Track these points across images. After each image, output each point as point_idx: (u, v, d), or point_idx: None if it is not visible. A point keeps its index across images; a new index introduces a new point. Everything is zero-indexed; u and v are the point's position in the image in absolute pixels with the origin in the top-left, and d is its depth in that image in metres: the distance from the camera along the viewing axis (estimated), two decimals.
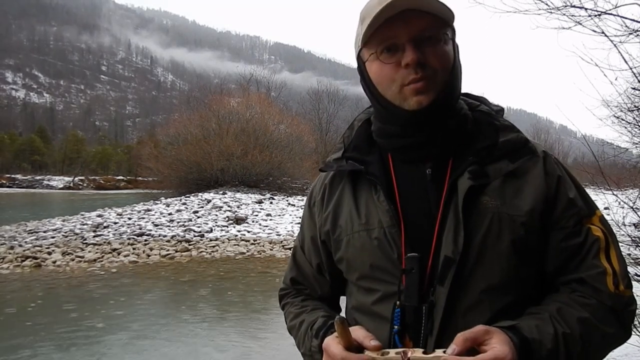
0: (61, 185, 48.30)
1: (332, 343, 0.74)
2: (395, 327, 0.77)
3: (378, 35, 0.76)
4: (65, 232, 11.32)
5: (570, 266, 0.79)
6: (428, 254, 0.77)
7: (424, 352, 0.69)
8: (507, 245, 0.76)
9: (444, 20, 0.77)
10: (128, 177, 50.31)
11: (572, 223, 0.78)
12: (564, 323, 0.73)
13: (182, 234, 11.78)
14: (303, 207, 1.00)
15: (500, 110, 0.88)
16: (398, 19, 0.74)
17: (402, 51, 0.76)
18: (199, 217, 13.74)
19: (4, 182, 47.64)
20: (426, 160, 0.82)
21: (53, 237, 10.76)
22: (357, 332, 0.74)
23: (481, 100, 0.90)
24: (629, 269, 3.02)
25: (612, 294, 0.76)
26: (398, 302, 0.77)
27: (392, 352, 0.70)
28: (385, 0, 0.74)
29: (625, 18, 2.83)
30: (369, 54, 0.80)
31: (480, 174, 0.78)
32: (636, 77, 2.95)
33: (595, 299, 0.76)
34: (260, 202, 17.06)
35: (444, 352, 0.67)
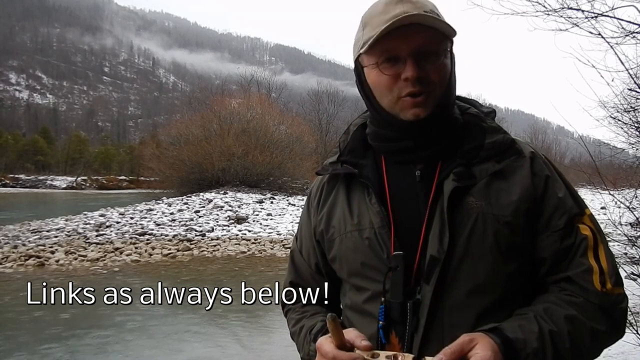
0: (64, 185, 48.48)
1: (324, 342, 0.76)
2: (380, 322, 0.79)
3: (380, 45, 0.77)
4: (68, 232, 11.40)
5: (560, 266, 0.79)
6: (415, 253, 0.79)
7: (414, 359, 0.69)
8: (492, 245, 0.76)
9: (445, 35, 0.78)
10: (130, 177, 50.43)
11: (563, 223, 0.79)
12: (550, 321, 0.73)
13: (183, 233, 11.83)
14: (303, 207, 1.02)
15: (491, 112, 0.89)
16: (401, 32, 0.75)
17: (402, 64, 0.77)
18: (200, 217, 13.80)
19: (8, 182, 47.86)
20: (417, 162, 0.83)
21: (56, 237, 10.83)
22: (350, 333, 0.75)
23: (471, 102, 0.92)
24: (626, 267, 3.05)
25: (598, 292, 0.76)
26: (383, 299, 0.79)
27: (383, 355, 0.70)
28: (390, 14, 0.76)
29: (622, 20, 2.86)
30: (368, 61, 0.81)
31: (465, 176, 0.79)
32: (632, 78, 2.99)
33: (582, 297, 0.76)
34: (261, 201, 17.11)
35: None
